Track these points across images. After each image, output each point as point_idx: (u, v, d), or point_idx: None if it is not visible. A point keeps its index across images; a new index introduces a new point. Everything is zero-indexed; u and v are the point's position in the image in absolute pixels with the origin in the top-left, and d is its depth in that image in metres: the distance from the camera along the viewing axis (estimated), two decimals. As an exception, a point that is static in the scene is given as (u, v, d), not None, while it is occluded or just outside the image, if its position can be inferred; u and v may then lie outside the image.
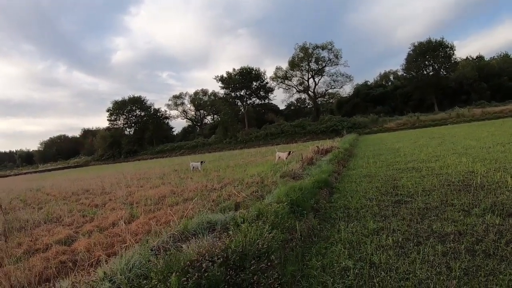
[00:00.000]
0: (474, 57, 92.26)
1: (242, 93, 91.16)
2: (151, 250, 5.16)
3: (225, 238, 5.22)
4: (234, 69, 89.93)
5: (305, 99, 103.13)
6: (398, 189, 9.86)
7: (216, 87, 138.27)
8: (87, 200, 15.22)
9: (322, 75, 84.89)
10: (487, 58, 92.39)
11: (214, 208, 9.01)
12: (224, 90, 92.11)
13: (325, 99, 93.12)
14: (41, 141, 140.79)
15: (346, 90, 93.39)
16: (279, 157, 21.24)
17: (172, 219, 8.47)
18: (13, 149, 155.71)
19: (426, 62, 79.03)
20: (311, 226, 6.79)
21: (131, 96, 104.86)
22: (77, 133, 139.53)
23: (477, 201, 7.70)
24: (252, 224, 5.58)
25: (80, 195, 17.35)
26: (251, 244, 4.71)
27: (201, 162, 23.81)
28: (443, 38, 77.64)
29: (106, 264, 4.90)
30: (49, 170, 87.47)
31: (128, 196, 14.57)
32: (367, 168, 14.88)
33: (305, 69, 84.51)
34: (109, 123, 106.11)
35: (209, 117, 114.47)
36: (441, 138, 26.96)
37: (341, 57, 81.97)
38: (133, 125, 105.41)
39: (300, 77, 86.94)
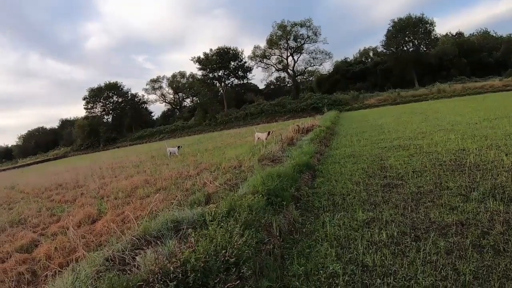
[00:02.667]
0: (454, 34, 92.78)
1: (220, 74, 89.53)
2: (106, 260, 4.34)
3: (187, 245, 4.33)
4: (211, 50, 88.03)
5: (284, 77, 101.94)
6: (386, 170, 9.10)
7: (194, 69, 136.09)
8: (58, 196, 14.47)
9: (301, 53, 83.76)
10: (466, 34, 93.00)
11: (186, 200, 8.19)
12: (202, 71, 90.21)
13: (304, 77, 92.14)
14: (19, 135, 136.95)
15: (326, 67, 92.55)
16: (258, 138, 20.44)
17: (140, 214, 7.93)
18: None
19: (406, 38, 78.88)
20: (291, 220, 5.94)
21: (107, 82, 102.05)
22: (55, 124, 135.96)
23: (474, 183, 7.01)
24: (221, 224, 4.72)
25: (52, 191, 16.56)
26: (217, 252, 3.84)
27: (178, 147, 22.96)
28: (423, 14, 77.32)
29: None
30: (28, 165, 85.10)
31: (100, 189, 13.88)
32: (351, 147, 14.09)
33: (283, 47, 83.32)
34: (86, 112, 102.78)
35: (188, 100, 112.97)
36: (424, 114, 26.36)
37: (320, 34, 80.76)
38: (110, 112, 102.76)
39: (279, 55, 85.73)
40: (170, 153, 22.44)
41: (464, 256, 4.28)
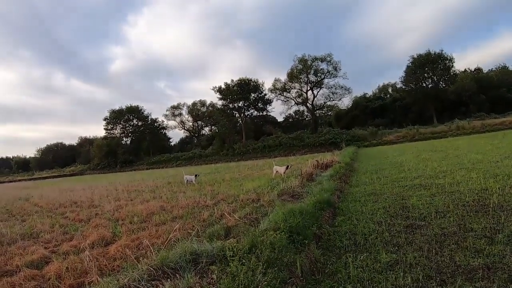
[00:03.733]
0: (473, 69, 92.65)
1: (240, 105, 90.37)
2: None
3: (208, 280, 4.25)
4: (232, 80, 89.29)
5: (303, 111, 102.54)
6: (408, 210, 8.91)
7: (214, 98, 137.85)
8: (72, 213, 14.47)
9: (321, 87, 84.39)
10: (485, 70, 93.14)
11: (204, 231, 8.09)
12: (222, 101, 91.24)
13: (323, 112, 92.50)
14: (38, 148, 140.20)
15: (345, 102, 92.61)
16: (277, 171, 20.33)
17: (156, 242, 7.80)
18: (10, 155, 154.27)
19: (425, 74, 79.08)
20: (313, 259, 5.81)
21: (129, 105, 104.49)
22: (74, 141, 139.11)
23: (498, 224, 6.82)
24: (243, 261, 4.63)
25: (67, 207, 16.67)
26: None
27: (196, 175, 22.94)
28: (442, 50, 77.78)
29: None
30: (44, 178, 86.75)
31: (115, 211, 13.80)
32: (371, 184, 13.87)
33: (303, 81, 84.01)
34: (106, 132, 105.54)
35: (206, 128, 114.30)
36: (444, 151, 26.10)
37: (340, 69, 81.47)
38: (130, 134, 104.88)
39: (299, 89, 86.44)
40: (187, 180, 22.41)
41: None
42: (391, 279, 4.92)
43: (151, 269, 4.85)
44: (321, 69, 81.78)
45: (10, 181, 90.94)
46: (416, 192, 11.11)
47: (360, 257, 5.87)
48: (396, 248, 6.20)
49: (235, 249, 5.14)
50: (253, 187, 15.77)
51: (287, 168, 19.78)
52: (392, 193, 11.47)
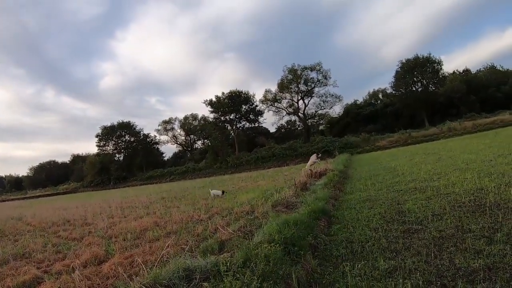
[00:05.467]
0: (461, 71, 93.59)
1: (231, 117, 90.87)
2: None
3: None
4: (223, 93, 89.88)
5: (295, 121, 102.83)
6: (404, 214, 8.79)
7: (205, 112, 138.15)
8: (65, 232, 14.22)
9: (311, 96, 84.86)
10: (473, 71, 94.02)
11: (198, 246, 7.95)
12: (214, 114, 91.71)
13: (315, 120, 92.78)
14: (31, 167, 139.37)
15: (336, 110, 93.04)
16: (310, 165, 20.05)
17: (149, 259, 7.62)
18: (2, 174, 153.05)
19: (415, 79, 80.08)
20: (310, 270, 5.67)
21: (120, 121, 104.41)
22: (67, 159, 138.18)
23: (496, 224, 6.75)
24: (238, 275, 4.50)
25: (59, 226, 16.41)
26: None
27: (223, 192, 22.54)
28: (430, 54, 78.93)
29: None
30: (37, 197, 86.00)
31: (109, 229, 13.54)
32: (365, 191, 13.71)
33: (294, 91, 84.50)
34: (98, 149, 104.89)
35: (199, 142, 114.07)
36: (437, 153, 26.11)
37: (330, 78, 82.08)
38: (122, 150, 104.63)
39: (290, 99, 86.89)
40: (214, 195, 22.01)
41: None
42: (390, 287, 4.80)
43: (143, 287, 4.70)
44: (311, 78, 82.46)
45: (3, 200, 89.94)
46: (412, 196, 11.01)
47: (357, 265, 5.73)
48: (394, 254, 6.07)
49: (229, 264, 5.01)
50: (247, 199, 15.62)
51: (317, 156, 19.56)
52: (387, 198, 11.35)
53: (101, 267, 7.97)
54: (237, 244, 6.69)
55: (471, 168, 14.57)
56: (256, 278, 4.41)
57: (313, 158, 19.97)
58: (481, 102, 76.60)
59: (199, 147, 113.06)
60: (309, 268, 5.70)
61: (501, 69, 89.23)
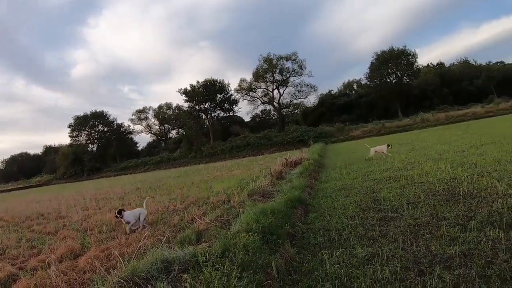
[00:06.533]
0: (435, 64, 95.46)
1: (206, 106, 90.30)
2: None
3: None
4: (198, 82, 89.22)
5: (270, 110, 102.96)
6: (380, 203, 8.89)
7: (180, 101, 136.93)
8: (39, 226, 13.82)
9: (286, 86, 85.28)
10: (447, 64, 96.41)
11: (175, 236, 7.86)
12: (188, 103, 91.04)
13: (290, 110, 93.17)
14: (2, 159, 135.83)
15: (311, 100, 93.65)
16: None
17: (126, 251, 7.51)
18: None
19: (389, 70, 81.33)
20: (289, 259, 5.66)
21: (93, 111, 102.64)
22: (39, 151, 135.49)
23: (470, 212, 6.90)
24: (217, 266, 4.45)
25: (33, 220, 15.97)
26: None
27: (388, 145, 20.98)
28: (405, 46, 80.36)
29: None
30: (9, 190, 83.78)
31: (83, 221, 13.25)
32: (341, 180, 13.84)
33: (269, 80, 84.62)
34: (71, 140, 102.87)
35: (173, 131, 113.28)
36: (410, 144, 26.60)
37: (305, 68, 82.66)
38: (95, 141, 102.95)
39: (265, 88, 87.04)
40: (376, 151, 20.97)
41: (472, 287, 4.14)
42: (369, 273, 4.82)
43: (122, 281, 4.60)
44: (287, 68, 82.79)
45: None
46: (386, 185, 11.15)
47: (336, 253, 5.75)
48: (371, 241, 6.13)
49: (207, 254, 4.94)
50: (223, 189, 15.59)
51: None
52: (363, 187, 11.47)
53: (77, 261, 7.79)
54: (214, 234, 6.63)
55: (444, 158, 14.84)
56: (235, 268, 4.37)
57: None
58: (454, 94, 78.74)
59: (173, 137, 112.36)
60: (288, 257, 5.70)
61: (474, 63, 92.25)
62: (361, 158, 21.20)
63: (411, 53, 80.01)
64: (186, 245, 6.03)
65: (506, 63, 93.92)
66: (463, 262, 4.79)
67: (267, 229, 6.17)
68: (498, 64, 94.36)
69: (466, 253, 5.06)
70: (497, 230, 5.67)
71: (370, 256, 5.48)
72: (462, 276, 4.42)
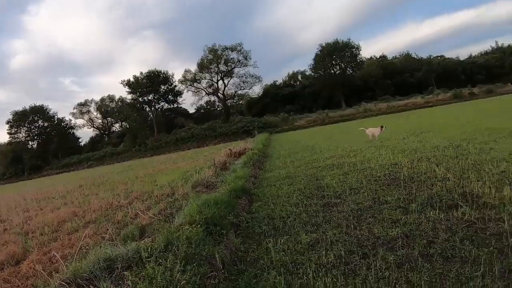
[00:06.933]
0: (378, 57, 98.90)
1: (150, 98, 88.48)
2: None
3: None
4: (141, 73, 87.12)
5: (214, 101, 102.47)
6: (323, 190, 9.01)
7: (123, 93, 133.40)
8: (-22, 232, 13.04)
9: (231, 77, 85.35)
10: (390, 57, 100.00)
11: (118, 233, 7.60)
12: (132, 95, 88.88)
13: (235, 101, 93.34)
14: None
15: (256, 91, 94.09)
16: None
17: (69, 252, 7.18)
18: None
19: (333, 62, 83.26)
20: (234, 249, 5.60)
21: (33, 105, 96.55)
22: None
23: (411, 195, 7.12)
24: (160, 261, 4.32)
25: None
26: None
27: (381, 126, 20.06)
28: (349, 39, 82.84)
29: None
30: None
31: (25, 224, 12.56)
32: (285, 169, 13.93)
33: (214, 71, 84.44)
34: (10, 137, 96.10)
35: (117, 125, 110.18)
36: (353, 132, 27.10)
37: (250, 58, 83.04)
38: (36, 137, 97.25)
39: (209, 79, 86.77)
40: (372, 133, 20.24)
41: (415, 267, 4.23)
42: (314, 259, 4.84)
43: (64, 284, 4.37)
44: (232, 58, 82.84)
45: None
46: (330, 172, 11.31)
47: (280, 240, 5.75)
48: (315, 227, 6.17)
49: (150, 249, 4.79)
50: (168, 182, 15.37)
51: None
52: (306, 175, 11.57)
53: (19, 267, 7.38)
54: (158, 228, 6.48)
55: (386, 145, 15.32)
56: (179, 262, 4.25)
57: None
58: (396, 86, 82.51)
59: (117, 130, 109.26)
60: (233, 247, 5.63)
61: (415, 57, 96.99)
62: (305, 147, 21.37)
63: (355, 46, 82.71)
64: (129, 241, 5.82)
65: (446, 57, 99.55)
66: (405, 243, 4.91)
67: (210, 220, 6.06)
68: (439, 58, 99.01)
69: (408, 234, 5.19)
70: (437, 212, 5.86)
71: (314, 241, 5.51)
72: (405, 256, 4.52)
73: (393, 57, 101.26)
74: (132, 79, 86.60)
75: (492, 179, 7.47)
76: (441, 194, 6.84)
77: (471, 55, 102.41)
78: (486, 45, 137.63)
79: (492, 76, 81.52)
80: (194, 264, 4.37)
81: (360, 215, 6.40)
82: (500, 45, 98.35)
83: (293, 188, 9.82)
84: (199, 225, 5.67)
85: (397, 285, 3.89)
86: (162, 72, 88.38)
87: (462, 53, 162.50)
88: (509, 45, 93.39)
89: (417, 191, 7.29)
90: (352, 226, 5.90)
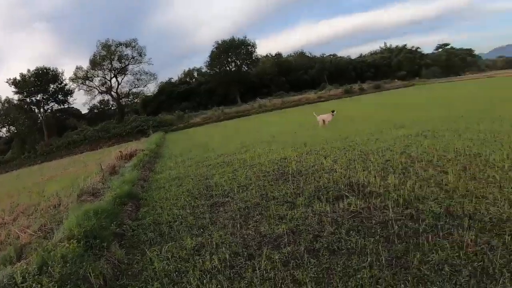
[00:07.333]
0: (274, 54, 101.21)
1: (38, 98, 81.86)
2: None
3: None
4: (28, 70, 79.36)
5: (108, 100, 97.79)
6: (212, 189, 8.93)
7: (9, 93, 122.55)
8: None
9: (125, 74, 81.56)
10: (285, 55, 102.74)
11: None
12: (18, 95, 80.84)
13: (129, 99, 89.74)
14: None
15: (151, 88, 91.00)
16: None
17: None
18: None
19: (229, 59, 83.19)
20: (116, 262, 5.29)
21: None
22: None
23: (298, 189, 7.32)
24: (33, 285, 3.98)
25: None
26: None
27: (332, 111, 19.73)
28: (245, 37, 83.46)
29: None
30: None
31: None
32: (175, 169, 13.53)
33: (107, 68, 79.91)
34: None
35: (4, 130, 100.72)
36: (246, 128, 27.64)
37: (145, 55, 79.71)
38: None
39: (103, 77, 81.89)
40: (323, 120, 19.20)
41: (301, 264, 4.28)
42: (198, 265, 4.74)
43: None
44: (126, 55, 78.97)
45: None
46: (220, 170, 11.27)
47: (165, 248, 5.53)
48: (201, 230, 6.06)
49: (25, 274, 4.37)
50: (56, 191, 14.14)
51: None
52: (196, 174, 11.40)
53: None
54: (35, 248, 5.96)
55: (277, 140, 15.65)
56: (53, 285, 3.93)
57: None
58: (291, 83, 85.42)
59: (4, 136, 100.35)
60: (115, 260, 5.32)
61: (309, 55, 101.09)
62: (199, 145, 21.06)
63: (251, 44, 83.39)
64: (7, 266, 5.30)
65: (338, 56, 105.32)
66: (291, 240, 4.98)
67: (89, 233, 5.64)
68: (331, 56, 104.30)
69: (295, 230, 5.29)
70: (323, 204, 6.06)
71: (199, 246, 5.40)
72: (291, 253, 4.58)
73: (288, 55, 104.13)
74: (19, 77, 78.92)
75: (377, 168, 7.93)
76: (328, 186, 7.10)
77: (361, 54, 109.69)
78: (376, 46, 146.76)
79: (381, 74, 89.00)
80: (71, 285, 4.08)
81: (248, 214, 6.42)
82: (388, 46, 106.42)
83: (182, 189, 9.58)
84: (76, 240, 5.26)
85: (283, 285, 3.90)
86: (51, 69, 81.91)
87: (354, 52, 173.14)
88: (396, 46, 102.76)
89: (304, 185, 7.50)
90: (238, 225, 5.90)
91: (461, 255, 3.97)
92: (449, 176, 6.62)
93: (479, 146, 8.85)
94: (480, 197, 5.54)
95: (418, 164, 7.85)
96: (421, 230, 4.67)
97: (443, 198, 5.67)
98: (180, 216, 7.10)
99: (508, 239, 4.15)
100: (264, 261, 4.47)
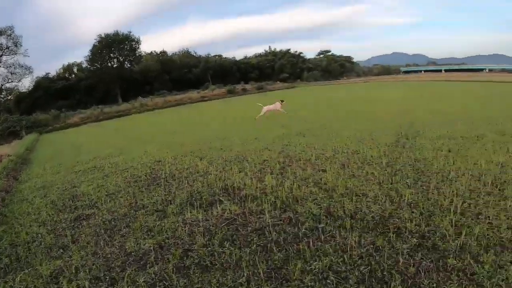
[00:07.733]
0: (158, 52, 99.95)
1: None
2: None
3: None
4: None
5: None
6: (78, 199, 8.04)
7: None
8: None
9: (-2, 66, 73.75)
10: (170, 53, 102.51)
11: None
12: None
13: (2, 96, 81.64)
14: None
15: (26, 84, 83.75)
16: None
17: None
18: None
19: (112, 54, 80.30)
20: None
21: None
22: None
23: (170, 195, 6.96)
24: None
25: None
26: None
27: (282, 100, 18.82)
28: (130, 32, 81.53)
29: None
30: None
31: None
32: (42, 176, 12.07)
33: (-24, 59, 71.83)
34: None
35: None
36: (121, 129, 26.93)
37: (21, 46, 72.03)
38: None
39: (-30, 69, 73.73)
40: (269, 110, 18.34)
41: (170, 285, 3.86)
42: (58, 297, 4.01)
43: None
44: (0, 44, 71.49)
45: None
46: (89, 176, 10.40)
47: (19, 277, 4.60)
48: (61, 251, 5.25)
49: None
50: None
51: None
52: (64, 182, 10.27)
53: None
54: None
55: (154, 140, 15.21)
56: None
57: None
58: (174, 81, 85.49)
59: None
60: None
61: (194, 54, 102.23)
62: (72, 148, 19.50)
63: (135, 39, 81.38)
64: None
65: (223, 56, 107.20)
66: (159, 256, 4.53)
67: None
68: (216, 57, 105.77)
69: (163, 244, 4.85)
70: (196, 211, 5.74)
71: (58, 271, 4.60)
72: (158, 273, 4.12)
73: (173, 53, 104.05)
74: None
75: (254, 169, 7.85)
76: (201, 191, 6.82)
77: (246, 56, 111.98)
78: (261, 49, 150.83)
79: (264, 75, 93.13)
80: None
81: (114, 227, 5.85)
82: (273, 49, 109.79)
83: (46, 201, 8.41)
84: None
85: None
86: None
87: (239, 54, 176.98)
88: (280, 50, 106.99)
89: (177, 190, 7.17)
90: (102, 243, 5.27)
91: (346, 259, 3.86)
92: (327, 174, 6.69)
93: (356, 144, 9.20)
94: (361, 195, 5.66)
95: (296, 164, 7.91)
96: (301, 235, 4.56)
97: (322, 198, 5.69)
98: (39, 235, 6.09)
99: (393, 237, 4.18)
100: (128, 285, 3.97)
